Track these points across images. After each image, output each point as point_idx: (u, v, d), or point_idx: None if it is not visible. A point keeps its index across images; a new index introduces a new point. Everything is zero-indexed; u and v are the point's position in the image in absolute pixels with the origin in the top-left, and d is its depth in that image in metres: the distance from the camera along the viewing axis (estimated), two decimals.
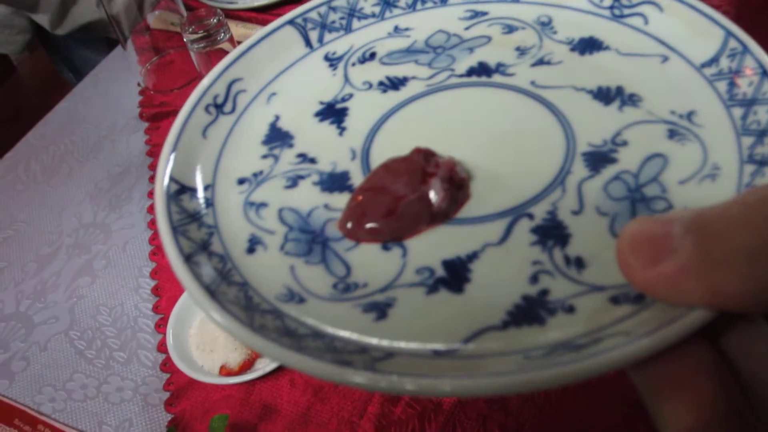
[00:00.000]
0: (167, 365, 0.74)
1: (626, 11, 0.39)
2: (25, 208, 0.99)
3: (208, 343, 0.71)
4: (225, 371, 0.69)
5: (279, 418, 0.67)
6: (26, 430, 0.75)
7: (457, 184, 0.32)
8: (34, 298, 0.87)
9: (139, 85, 1.10)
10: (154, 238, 0.89)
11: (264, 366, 0.69)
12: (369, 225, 0.32)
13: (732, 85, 0.33)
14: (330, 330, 0.28)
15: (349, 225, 0.32)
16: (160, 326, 0.78)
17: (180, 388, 0.72)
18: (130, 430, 0.72)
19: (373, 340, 0.27)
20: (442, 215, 0.32)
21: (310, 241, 0.32)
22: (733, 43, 0.34)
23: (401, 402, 0.64)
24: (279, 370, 0.69)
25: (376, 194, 0.32)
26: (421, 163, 0.33)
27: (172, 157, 0.35)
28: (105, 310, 0.83)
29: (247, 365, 0.70)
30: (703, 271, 0.22)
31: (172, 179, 0.34)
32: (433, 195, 0.32)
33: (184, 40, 0.92)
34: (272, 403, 0.68)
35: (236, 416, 0.68)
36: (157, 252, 0.86)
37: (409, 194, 0.32)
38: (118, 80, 1.17)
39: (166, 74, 1.07)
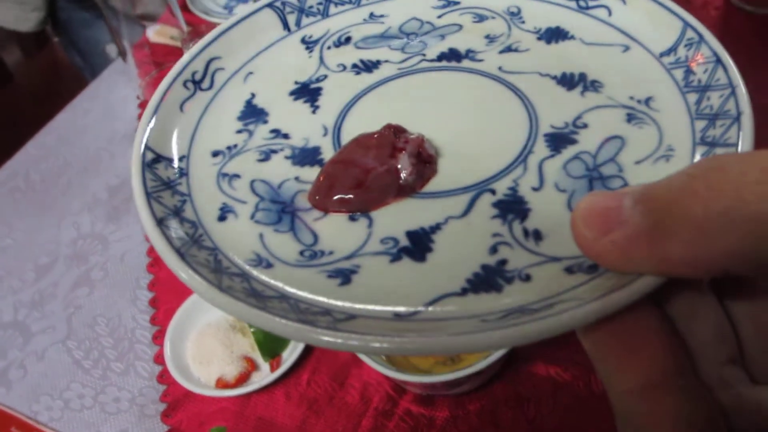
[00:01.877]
0: (164, 377, 0.75)
1: (591, 3, 0.41)
2: (23, 218, 1.00)
3: (205, 355, 0.72)
4: (221, 384, 0.70)
5: (274, 431, 0.68)
6: None
7: (425, 160, 0.34)
8: (31, 307, 0.88)
9: (138, 97, 1.11)
10: (152, 250, 0.90)
11: (260, 379, 0.70)
12: (337, 196, 0.33)
13: (688, 72, 0.35)
14: (295, 292, 0.29)
15: (317, 196, 0.33)
16: (157, 338, 0.79)
17: (176, 400, 0.73)
18: None
19: (337, 303, 0.29)
20: (409, 189, 0.33)
21: (280, 210, 0.34)
22: (690, 33, 0.36)
23: (395, 416, 0.66)
24: (275, 383, 0.70)
25: (346, 166, 0.34)
26: (391, 138, 0.34)
27: (149, 127, 0.36)
28: (102, 320, 0.84)
29: (243, 378, 0.71)
30: (651, 240, 0.23)
31: (148, 148, 0.35)
32: (401, 168, 0.33)
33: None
34: (267, 416, 0.69)
35: (232, 429, 0.69)
36: (154, 264, 0.87)
37: (377, 167, 0.33)
38: (118, 93, 1.18)
39: None
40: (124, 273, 0.89)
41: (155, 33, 1.13)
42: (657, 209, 0.23)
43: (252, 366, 0.72)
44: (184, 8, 1.17)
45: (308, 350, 0.72)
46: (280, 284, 0.30)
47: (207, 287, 0.28)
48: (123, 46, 1.06)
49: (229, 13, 1.17)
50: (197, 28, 0.94)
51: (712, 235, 0.22)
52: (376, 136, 0.35)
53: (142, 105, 1.10)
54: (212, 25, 0.93)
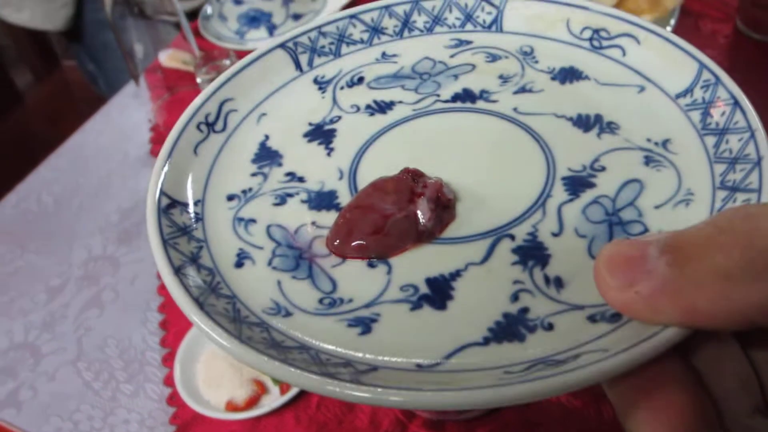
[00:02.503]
0: (173, 399, 0.76)
1: (605, 43, 0.41)
2: (35, 240, 1.01)
3: (215, 378, 0.73)
4: (231, 407, 0.71)
5: None
6: None
7: (444, 205, 0.34)
8: (42, 328, 0.88)
9: (149, 121, 1.13)
10: None
11: (270, 402, 0.70)
12: (356, 242, 0.33)
13: (705, 114, 0.35)
14: (315, 343, 0.29)
15: (336, 242, 0.33)
16: (167, 360, 0.80)
17: (185, 423, 0.73)
18: None
19: (358, 354, 0.28)
20: (428, 234, 0.33)
21: (297, 257, 0.33)
22: (706, 75, 0.36)
23: None
24: (284, 407, 0.70)
25: (364, 212, 0.33)
26: (409, 183, 0.34)
27: (164, 172, 0.36)
28: (113, 342, 0.85)
29: (252, 401, 0.71)
30: (676, 291, 0.23)
31: (163, 193, 0.35)
32: (420, 214, 0.33)
33: (197, 80, 0.95)
34: None
35: None
36: (165, 286, 0.88)
37: (396, 213, 0.33)
38: (130, 116, 1.19)
39: (176, 112, 1.10)
40: (135, 295, 0.90)
41: (167, 57, 1.15)
42: (683, 260, 0.23)
43: (262, 389, 0.73)
44: (197, 33, 1.19)
45: None
46: (299, 334, 0.30)
47: (228, 339, 0.28)
48: (136, 70, 1.07)
49: (241, 38, 1.18)
50: (209, 53, 0.96)
51: (739, 287, 0.22)
52: (394, 180, 0.35)
53: (154, 128, 1.11)
54: (224, 51, 0.95)
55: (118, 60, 1.39)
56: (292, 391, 0.70)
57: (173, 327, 0.83)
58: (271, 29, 1.19)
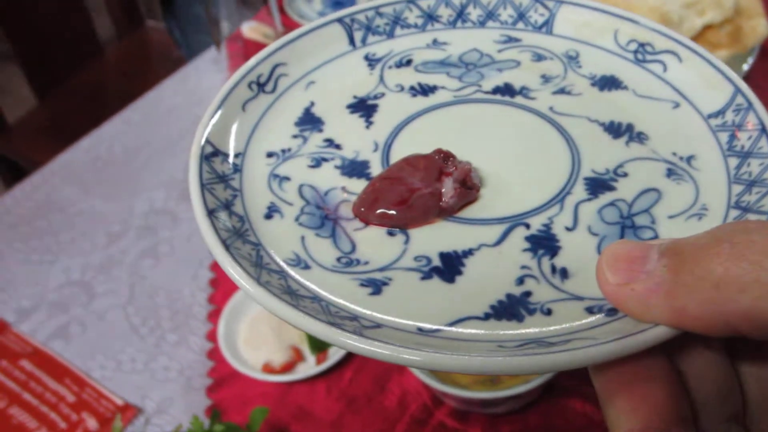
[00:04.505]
0: (213, 354, 0.79)
1: (648, 57, 0.42)
2: (102, 186, 1.06)
3: (256, 339, 0.76)
4: (267, 369, 0.74)
5: (311, 421, 0.70)
6: (74, 390, 0.80)
7: (468, 187, 0.35)
8: (98, 270, 0.92)
9: None
10: None
11: (305, 370, 0.73)
12: (380, 210, 0.35)
13: (733, 137, 0.37)
14: (328, 296, 0.31)
15: (362, 208, 0.35)
16: (212, 317, 0.83)
17: (222, 378, 0.76)
18: (171, 408, 0.77)
19: (366, 311, 0.31)
20: (448, 211, 0.35)
21: (324, 216, 0.35)
22: (739, 99, 0.37)
23: (429, 426, 0.68)
24: (318, 376, 0.73)
25: (392, 183, 0.35)
26: (440, 163, 0.36)
27: (211, 122, 0.38)
28: (163, 293, 0.88)
29: (288, 367, 0.74)
30: (669, 293, 0.25)
31: (208, 141, 0.37)
32: (444, 193, 0.35)
33: None
34: (307, 406, 0.72)
35: (272, 412, 0.72)
36: None
37: (423, 188, 0.35)
38: (207, 80, 1.23)
39: None
40: (190, 251, 0.93)
41: (250, 29, 1.18)
42: (679, 264, 0.25)
43: (298, 356, 0.75)
44: (282, 10, 1.22)
45: None
46: (314, 286, 0.32)
47: (246, 278, 0.30)
48: (219, 37, 1.11)
49: None
50: (290, 30, 0.98)
51: (728, 296, 0.23)
52: (425, 158, 0.36)
53: None
54: None
55: (203, 34, 1.43)
56: (328, 363, 0.73)
57: (222, 286, 0.86)
58: None
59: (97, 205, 1.02)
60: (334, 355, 0.74)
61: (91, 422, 0.77)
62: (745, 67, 0.90)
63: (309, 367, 0.74)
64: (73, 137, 1.16)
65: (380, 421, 0.69)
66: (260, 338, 0.76)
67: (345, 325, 0.29)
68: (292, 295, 0.31)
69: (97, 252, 0.95)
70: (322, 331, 0.28)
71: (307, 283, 0.32)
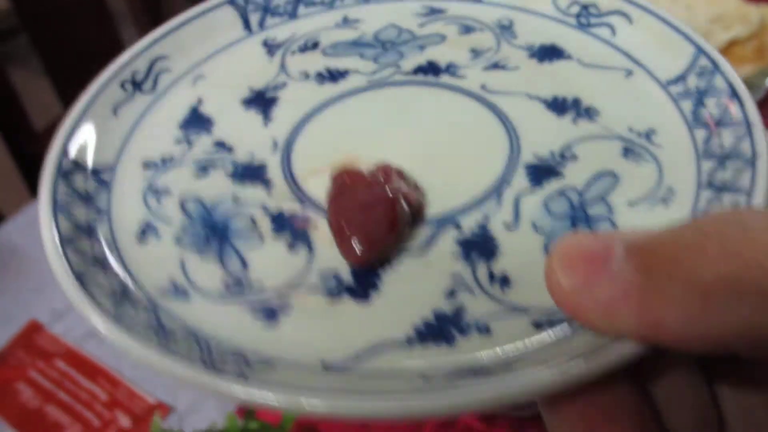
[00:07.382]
0: None
1: (593, 20, 0.37)
2: None
3: None
4: None
5: (340, 420, 0.71)
6: (108, 389, 0.81)
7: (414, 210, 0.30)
8: None
9: None
10: None
11: None
12: (379, 241, 0.28)
13: (698, 104, 0.32)
14: (208, 330, 0.26)
15: (359, 251, 0.28)
16: None
17: None
18: (203, 406, 0.78)
19: (256, 347, 0.25)
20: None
21: (210, 234, 0.30)
22: (703, 61, 0.32)
23: (457, 427, 0.69)
24: None
25: (361, 210, 0.29)
26: (376, 180, 0.30)
27: (74, 132, 0.33)
28: None
29: None
30: (641, 302, 0.19)
31: (66, 155, 0.32)
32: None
33: None
34: None
35: None
36: None
37: (395, 199, 0.29)
38: None
39: None
40: None
41: None
42: (655, 266, 0.19)
43: None
44: None
45: None
46: (193, 319, 0.26)
47: (99, 316, 0.24)
48: None
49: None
50: None
51: (718, 306, 0.18)
52: (351, 174, 0.31)
53: None
54: None
55: None
56: None
57: None
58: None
59: None
60: None
61: (125, 420, 0.79)
62: None
63: None
64: None
65: (406, 425, 0.70)
66: None
67: (226, 369, 0.23)
68: (161, 333, 0.25)
69: None
70: (194, 377, 0.23)
71: (184, 317, 0.26)
